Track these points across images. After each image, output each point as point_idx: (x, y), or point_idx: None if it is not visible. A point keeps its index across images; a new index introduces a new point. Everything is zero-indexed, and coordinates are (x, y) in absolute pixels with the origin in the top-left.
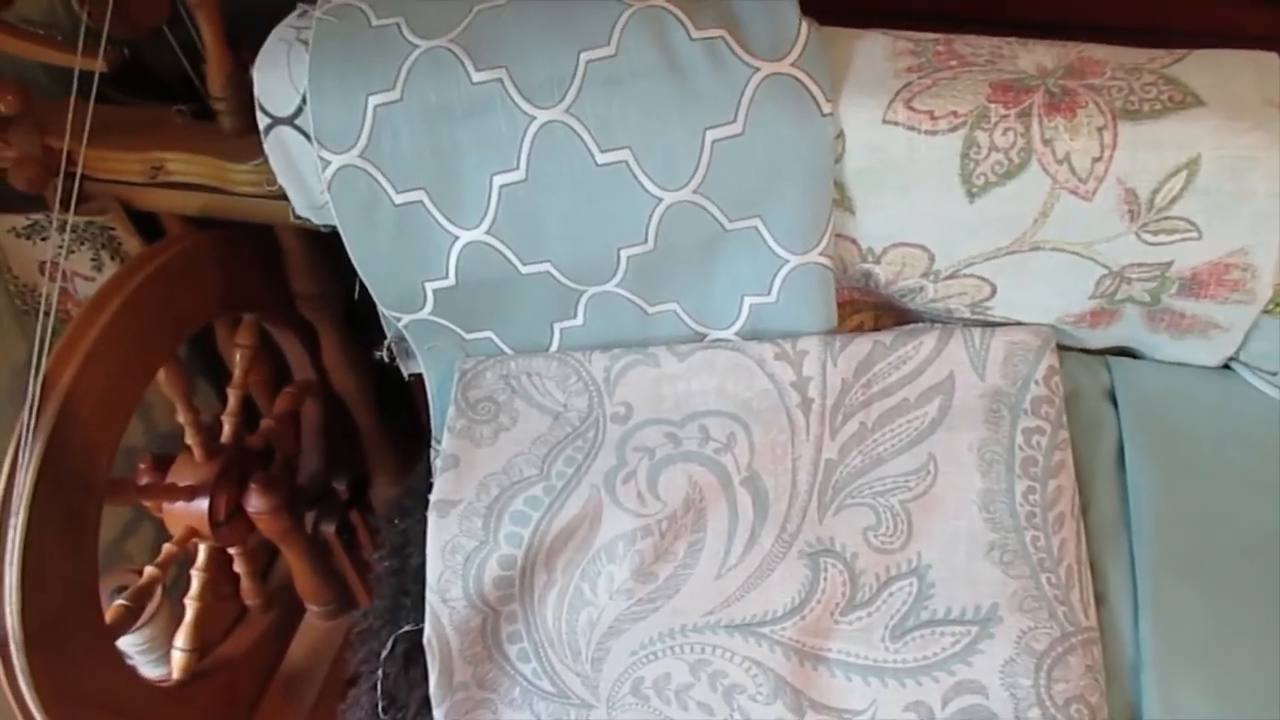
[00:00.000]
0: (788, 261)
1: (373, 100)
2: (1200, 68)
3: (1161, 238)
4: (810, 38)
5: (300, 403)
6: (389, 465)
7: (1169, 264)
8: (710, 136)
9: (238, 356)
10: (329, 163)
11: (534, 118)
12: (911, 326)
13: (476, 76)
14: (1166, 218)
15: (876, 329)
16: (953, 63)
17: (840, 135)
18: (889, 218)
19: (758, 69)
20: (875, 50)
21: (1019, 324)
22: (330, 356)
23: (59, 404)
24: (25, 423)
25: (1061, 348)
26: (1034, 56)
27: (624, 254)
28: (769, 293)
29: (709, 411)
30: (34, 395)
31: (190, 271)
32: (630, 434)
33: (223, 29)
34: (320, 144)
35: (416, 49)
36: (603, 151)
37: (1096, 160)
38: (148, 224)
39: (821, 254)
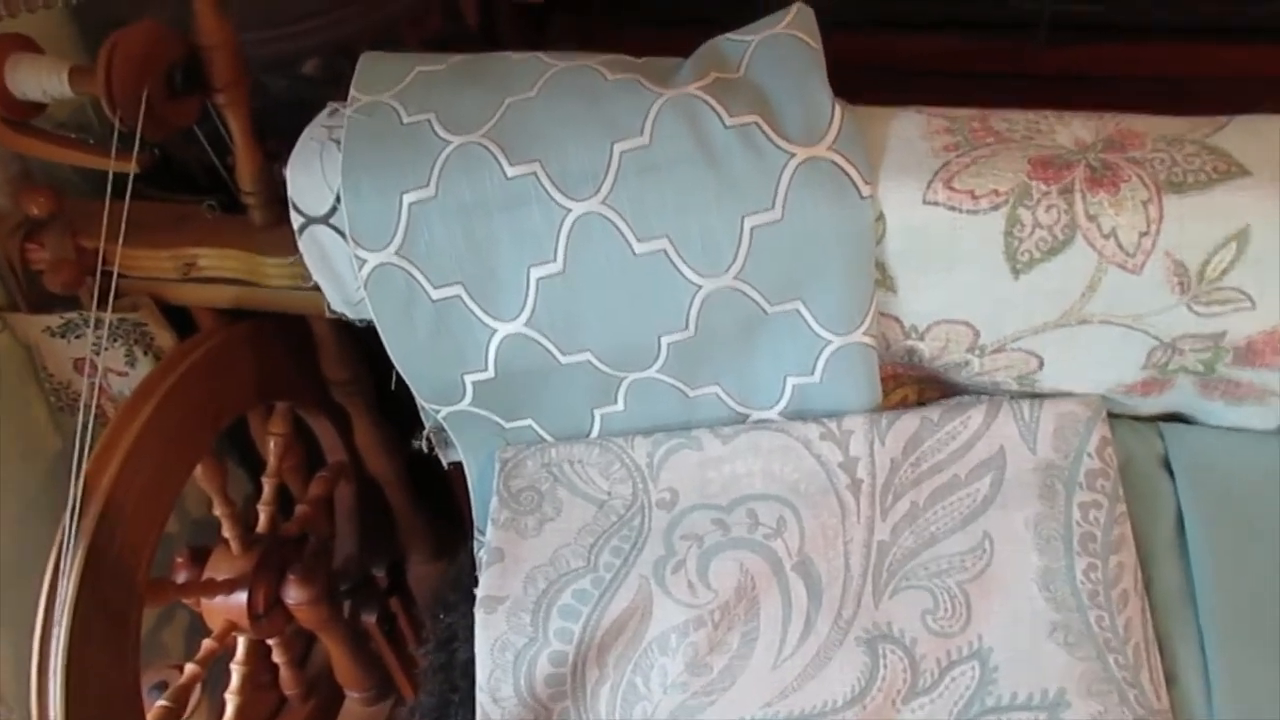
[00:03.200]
0: (830, 342)
1: (407, 198)
2: (1242, 135)
3: (1214, 309)
4: (845, 120)
5: (334, 486)
6: (425, 545)
7: (1222, 334)
8: (749, 224)
9: (272, 444)
10: (365, 261)
11: (570, 210)
12: (958, 400)
13: (510, 171)
14: (1218, 289)
15: (921, 403)
16: (989, 139)
17: (880, 217)
18: (932, 296)
19: (793, 154)
20: (910, 129)
21: (1068, 394)
22: (364, 439)
23: (100, 507)
24: (67, 528)
25: (1112, 415)
26: (1071, 130)
27: (664, 341)
28: (812, 373)
29: (756, 495)
30: (75, 499)
31: (224, 366)
32: (677, 521)
33: (251, 125)
34: (356, 243)
35: (449, 145)
36: (640, 241)
37: (1143, 234)
38: (179, 316)
39: (865, 334)
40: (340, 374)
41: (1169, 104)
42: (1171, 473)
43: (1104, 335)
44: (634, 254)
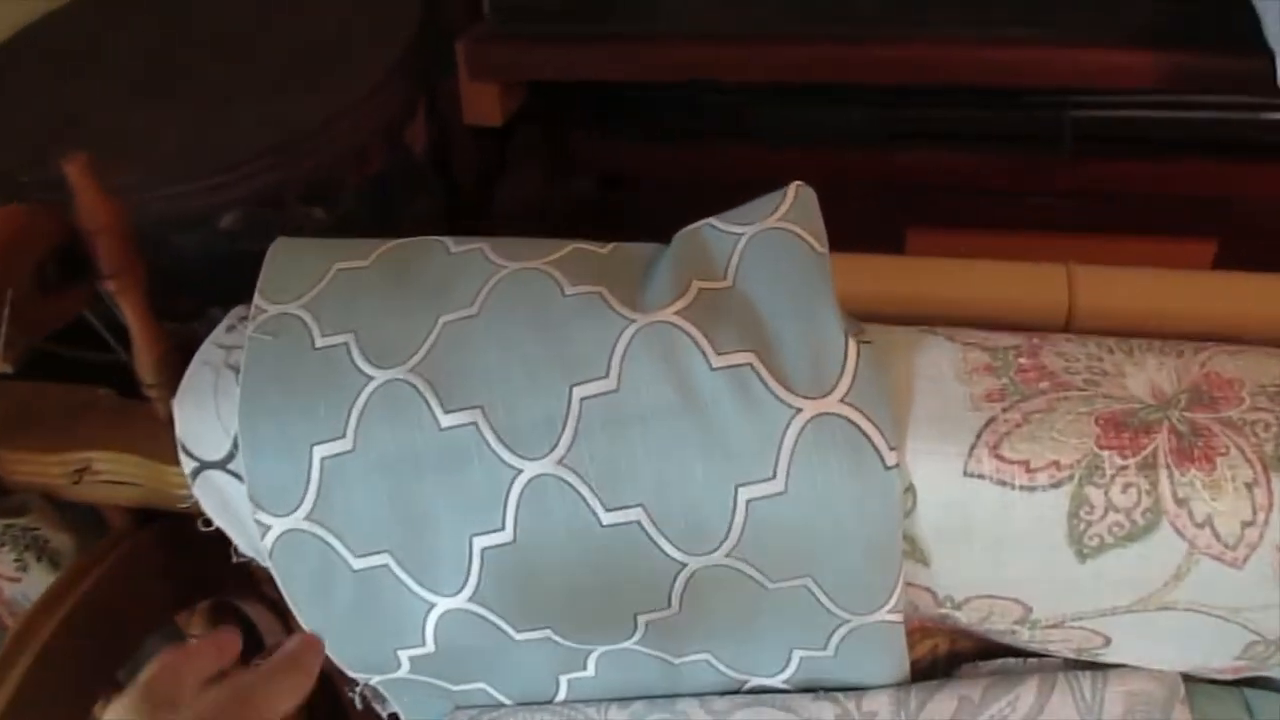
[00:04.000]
0: (848, 621)
1: (319, 451)
2: None
3: None
4: (861, 362)
5: None
6: None
7: None
8: (744, 495)
9: None
10: (269, 527)
11: (520, 470)
12: (1003, 670)
13: (446, 420)
14: None
15: (952, 653)
16: (1044, 384)
17: (910, 489)
18: (974, 571)
19: (799, 409)
20: (943, 366)
21: (1137, 669)
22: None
23: None
24: None
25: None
26: (1146, 373)
27: (641, 618)
28: (825, 648)
29: None
30: None
31: (134, 577)
32: None
33: (149, 310)
34: (257, 505)
35: (371, 382)
36: (608, 511)
37: (1248, 525)
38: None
39: (890, 612)
40: None
41: (1211, 227)
42: None
43: (1190, 623)
44: (601, 524)
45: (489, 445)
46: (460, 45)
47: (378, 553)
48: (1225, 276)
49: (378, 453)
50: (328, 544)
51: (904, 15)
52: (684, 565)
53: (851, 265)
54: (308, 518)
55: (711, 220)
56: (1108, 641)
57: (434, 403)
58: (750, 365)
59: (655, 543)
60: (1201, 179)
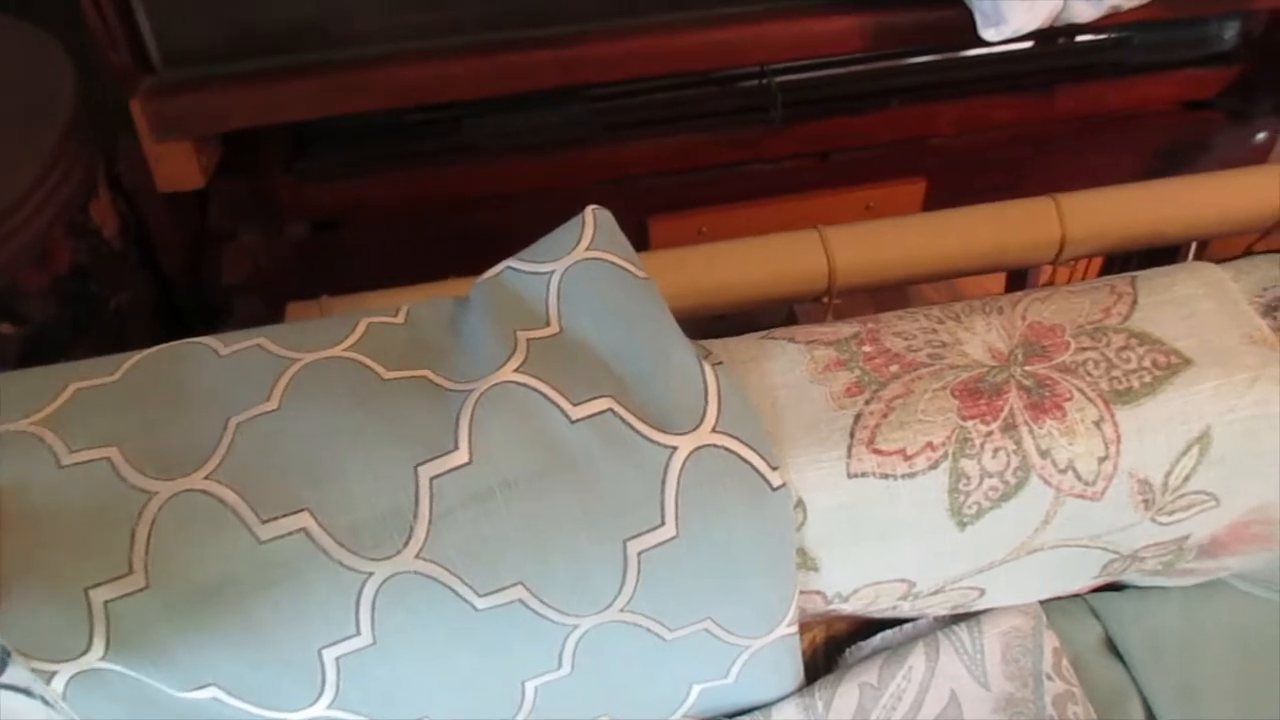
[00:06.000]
0: (748, 647)
1: (98, 595)
2: (1161, 310)
3: (1178, 515)
4: (723, 385)
5: None
6: None
7: (1186, 537)
8: (634, 548)
9: None
10: (56, 672)
11: (370, 573)
12: (887, 644)
13: (265, 531)
14: (1181, 495)
15: (829, 638)
16: (894, 368)
17: (799, 504)
18: (861, 565)
19: (674, 447)
20: (798, 372)
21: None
22: None
23: None
24: None
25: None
26: (979, 336)
27: (530, 685)
28: (726, 676)
29: None
30: None
31: None
32: None
33: None
34: (26, 655)
35: (153, 498)
36: (483, 596)
37: (1103, 460)
38: None
39: (787, 625)
40: None
41: (918, 167)
42: (1117, 653)
43: (1056, 557)
44: (476, 610)
45: (326, 552)
46: (135, 104)
47: (203, 686)
48: (949, 214)
49: (183, 584)
50: (139, 680)
51: (616, 9)
52: (574, 627)
53: None
54: (103, 659)
55: (509, 263)
56: (982, 593)
57: (246, 513)
58: (611, 411)
59: (541, 614)
60: (903, 124)
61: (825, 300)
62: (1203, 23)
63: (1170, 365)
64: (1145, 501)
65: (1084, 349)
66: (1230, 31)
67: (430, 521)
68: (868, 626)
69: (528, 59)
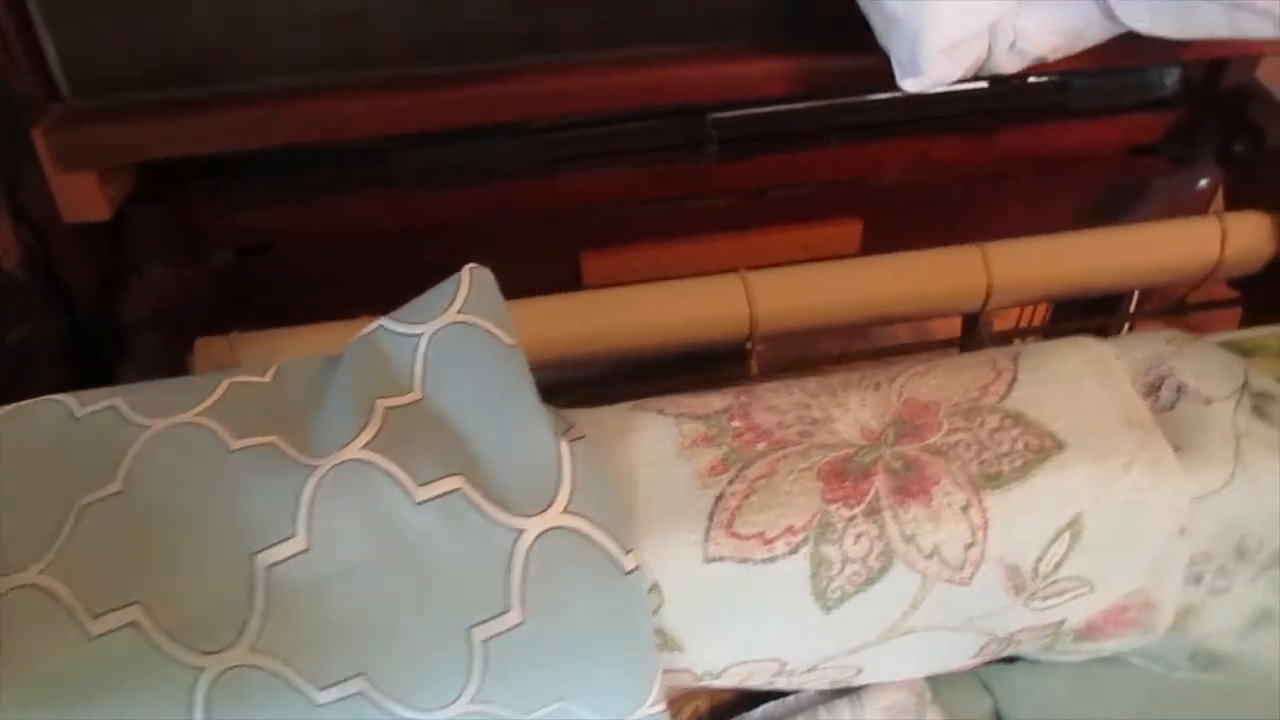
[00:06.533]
0: None
1: None
2: (1040, 388)
3: (1051, 601)
4: (579, 463)
5: None
6: None
7: (1062, 621)
8: (479, 636)
9: None
10: None
11: (201, 669)
12: (771, 718)
13: (95, 626)
14: (1054, 582)
15: (713, 708)
16: (761, 445)
17: (655, 587)
18: (728, 646)
19: (521, 530)
20: (663, 447)
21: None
22: None
23: None
24: None
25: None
26: (852, 413)
27: None
28: None
29: None
30: None
31: None
32: None
33: None
34: None
35: None
36: (322, 689)
37: (970, 546)
38: None
39: (652, 705)
40: None
41: (855, 207)
42: None
43: (930, 638)
44: (317, 704)
45: (158, 648)
46: (37, 134)
47: None
48: (875, 260)
49: (20, 686)
50: None
51: (538, 47)
52: None
53: (532, 311)
54: None
55: (384, 322)
56: (859, 670)
57: (78, 609)
58: (460, 491)
59: (386, 709)
60: (842, 163)
61: (749, 345)
62: (1143, 69)
63: (1043, 449)
64: (1016, 587)
65: (956, 429)
66: (1171, 78)
67: (265, 611)
68: (754, 695)
69: (443, 96)
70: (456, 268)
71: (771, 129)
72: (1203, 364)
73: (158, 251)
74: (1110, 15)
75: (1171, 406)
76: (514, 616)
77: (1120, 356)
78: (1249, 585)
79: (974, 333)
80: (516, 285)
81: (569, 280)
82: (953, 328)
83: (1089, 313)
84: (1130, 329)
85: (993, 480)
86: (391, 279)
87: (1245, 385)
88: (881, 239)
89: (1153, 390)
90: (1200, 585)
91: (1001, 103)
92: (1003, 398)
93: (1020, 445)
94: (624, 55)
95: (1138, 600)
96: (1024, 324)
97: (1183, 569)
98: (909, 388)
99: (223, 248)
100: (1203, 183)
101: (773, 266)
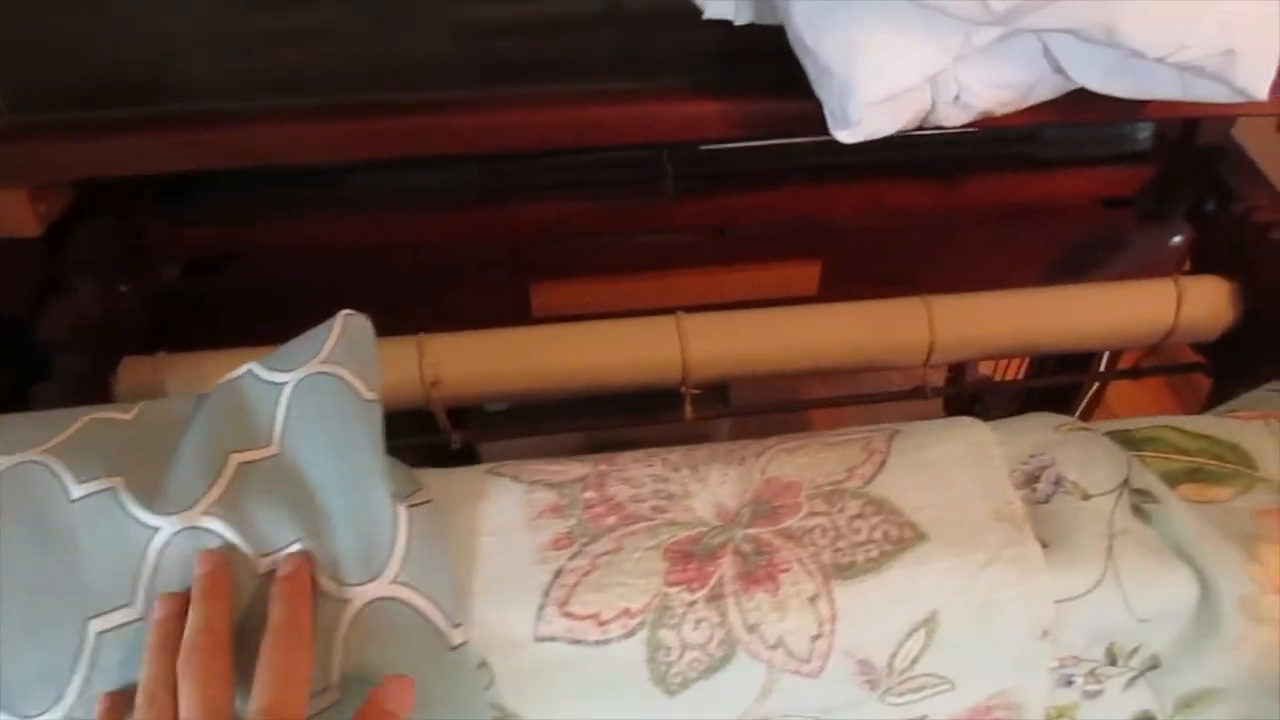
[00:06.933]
0: None
1: None
2: (909, 475)
3: (909, 697)
4: (414, 532)
5: None
6: None
7: (923, 718)
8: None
9: None
10: None
11: None
12: None
13: None
14: (910, 678)
15: None
16: (611, 520)
17: (484, 664)
18: None
19: (347, 600)
20: (509, 514)
21: None
22: None
23: None
24: None
25: None
26: (710, 490)
27: None
28: None
29: None
30: None
31: None
32: None
33: None
34: None
35: None
36: None
37: (816, 638)
38: None
39: None
40: None
41: (814, 248)
42: None
43: None
44: None
45: None
46: None
47: None
48: (816, 309)
49: None
50: None
51: (480, 79)
52: None
53: (473, 345)
54: None
55: (253, 366)
56: None
57: None
58: (300, 542)
59: None
60: (800, 203)
61: (683, 390)
62: (1114, 121)
63: (901, 540)
64: (869, 682)
65: (815, 514)
66: (1144, 132)
67: (86, 679)
68: None
69: (387, 125)
70: (406, 291)
71: (728, 167)
72: (1087, 455)
73: (94, 268)
74: (1060, 71)
75: (1048, 499)
76: (331, 695)
77: (1003, 443)
78: (1124, 691)
79: (961, 379)
80: (464, 312)
81: (518, 310)
82: (939, 372)
83: (1062, 368)
84: (1101, 389)
85: (845, 570)
86: (344, 301)
87: (1126, 481)
88: (840, 282)
89: (1031, 480)
90: (1072, 688)
91: (966, 150)
92: (868, 482)
93: (879, 534)
94: (573, 90)
95: (1001, 701)
96: (1001, 377)
97: (1048, 672)
98: (773, 466)
99: (170, 264)
100: (1175, 239)
101: (729, 305)
